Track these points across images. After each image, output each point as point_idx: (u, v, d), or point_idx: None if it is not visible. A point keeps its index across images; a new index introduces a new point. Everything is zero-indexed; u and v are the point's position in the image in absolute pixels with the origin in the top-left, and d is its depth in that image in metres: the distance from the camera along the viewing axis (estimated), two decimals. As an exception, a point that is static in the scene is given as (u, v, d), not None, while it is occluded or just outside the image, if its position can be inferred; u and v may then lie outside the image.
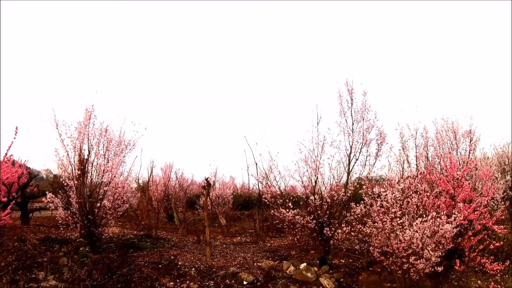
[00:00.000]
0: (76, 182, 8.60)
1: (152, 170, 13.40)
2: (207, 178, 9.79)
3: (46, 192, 9.36)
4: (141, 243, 10.18)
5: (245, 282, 7.23)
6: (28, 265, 7.84)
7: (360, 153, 8.10)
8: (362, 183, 7.54)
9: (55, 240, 9.53)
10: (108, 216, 8.95)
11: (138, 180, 11.60)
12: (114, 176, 8.76)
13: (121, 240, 10.41)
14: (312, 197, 8.08)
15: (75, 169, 8.68)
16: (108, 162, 8.79)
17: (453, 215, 5.61)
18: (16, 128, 7.03)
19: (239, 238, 13.00)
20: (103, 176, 8.67)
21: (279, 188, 8.88)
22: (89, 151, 8.72)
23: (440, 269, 5.71)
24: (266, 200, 9.14)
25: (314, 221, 8.12)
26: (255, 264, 8.43)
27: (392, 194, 6.12)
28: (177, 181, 15.91)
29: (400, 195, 6.11)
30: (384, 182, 6.82)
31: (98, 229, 8.91)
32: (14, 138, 7.05)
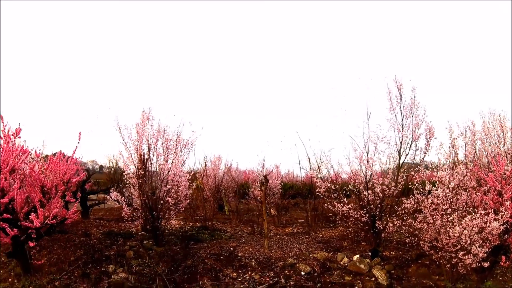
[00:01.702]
0: (139, 181, 9.91)
1: (206, 163, 14.63)
2: (266, 175, 10.79)
3: (111, 191, 10.78)
4: (200, 235, 11.37)
5: (302, 273, 8.09)
6: (97, 258, 9.00)
7: (409, 148, 8.81)
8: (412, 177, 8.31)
9: (118, 234, 10.78)
10: (171, 211, 10.19)
11: (193, 173, 12.88)
12: (175, 174, 9.98)
13: (180, 232, 11.66)
14: (365, 192, 8.95)
15: (137, 169, 9.96)
16: (167, 161, 10.03)
17: (500, 213, 6.29)
18: (80, 133, 8.36)
19: (290, 228, 13.88)
20: (167, 174, 9.91)
21: (332, 182, 9.76)
22: (149, 151, 9.98)
23: (486, 264, 6.43)
24: (319, 194, 10.05)
25: (367, 215, 9.00)
26: (310, 255, 9.21)
27: (443, 192, 6.84)
28: (229, 172, 17.10)
29: (450, 193, 6.82)
30: (433, 171, 7.43)
31: (161, 223, 10.13)
32: (78, 142, 8.39)
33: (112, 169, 18.58)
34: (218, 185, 16.51)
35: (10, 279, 8.17)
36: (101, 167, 33.30)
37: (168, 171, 9.86)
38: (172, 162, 9.99)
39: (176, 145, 10.19)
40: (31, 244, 7.29)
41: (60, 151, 8.15)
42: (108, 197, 10.90)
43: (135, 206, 10.33)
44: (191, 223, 13.95)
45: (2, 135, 7.62)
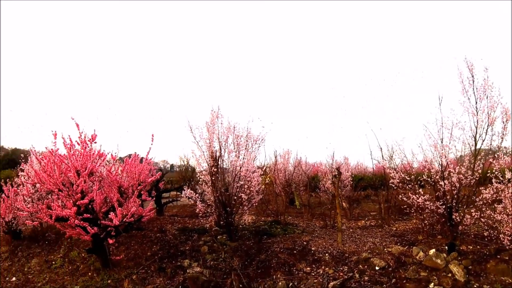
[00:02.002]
0: (212, 178, 10.35)
1: (276, 158, 14.84)
2: (338, 168, 10.71)
3: (184, 188, 11.36)
4: (272, 229, 11.44)
5: (377, 268, 7.87)
6: (172, 253, 9.38)
7: (486, 133, 8.20)
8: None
9: (192, 230, 11.19)
10: (244, 207, 10.42)
11: (264, 168, 13.14)
12: (247, 170, 10.24)
13: (253, 227, 11.82)
14: (441, 182, 8.53)
15: (210, 166, 10.39)
16: (239, 157, 10.34)
17: None
18: (152, 135, 8.81)
19: (363, 221, 13.49)
20: (239, 170, 10.22)
21: (406, 172, 9.42)
22: (220, 149, 10.34)
23: None
24: (393, 185, 9.77)
25: (443, 206, 8.58)
26: (384, 249, 8.91)
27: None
28: (300, 166, 17.16)
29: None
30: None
31: (235, 218, 10.35)
32: (151, 144, 8.89)
33: (183, 168, 19.35)
34: (288, 179, 16.63)
35: (89, 273, 8.82)
36: (172, 166, 34.90)
37: (240, 167, 10.13)
38: (244, 158, 10.25)
39: (247, 141, 10.40)
40: (110, 241, 7.80)
41: (135, 152, 8.82)
42: (183, 195, 11.46)
43: (208, 203, 10.78)
44: (263, 218, 14.13)
45: (79, 141, 8.40)
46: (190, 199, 10.84)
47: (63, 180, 7.83)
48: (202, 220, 12.09)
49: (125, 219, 7.86)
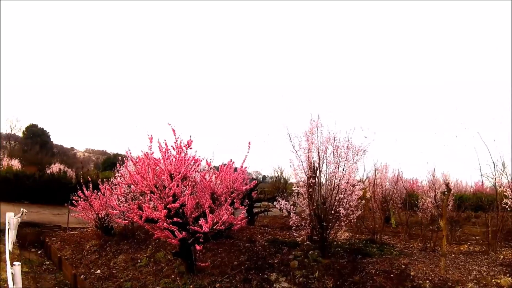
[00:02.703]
0: (309, 189, 9.68)
1: (375, 172, 13.80)
2: (448, 183, 9.56)
3: (277, 198, 10.82)
4: (368, 248, 10.59)
5: None
6: (260, 265, 8.98)
7: None
8: None
9: (283, 243, 10.72)
10: (341, 222, 9.70)
11: (365, 181, 12.17)
12: (347, 183, 9.45)
13: (347, 245, 11.08)
14: None
15: (308, 177, 9.74)
16: (337, 169, 9.56)
17: None
18: (249, 143, 8.46)
19: (465, 246, 12.16)
20: (339, 183, 9.48)
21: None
22: (319, 159, 9.68)
23: None
24: (506, 206, 8.46)
25: None
26: (492, 280, 7.86)
27: None
28: (399, 182, 15.88)
29: None
30: None
31: (329, 234, 9.73)
32: (248, 152, 8.53)
33: (275, 179, 19.03)
34: (385, 195, 15.43)
35: (173, 276, 8.72)
36: (264, 177, 34.85)
37: (340, 180, 9.38)
38: (343, 169, 9.48)
39: (347, 152, 9.64)
40: (198, 248, 7.65)
41: (231, 159, 8.45)
42: (277, 206, 10.96)
43: (303, 216, 10.15)
44: (357, 235, 13.27)
45: (175, 146, 8.19)
46: (284, 211, 10.25)
47: (156, 182, 7.73)
48: (293, 233, 11.52)
49: (215, 226, 7.49)
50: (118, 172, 12.85)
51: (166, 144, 8.18)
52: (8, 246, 9.63)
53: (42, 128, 50.84)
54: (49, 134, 51.94)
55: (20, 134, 47.68)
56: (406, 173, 24.94)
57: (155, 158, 7.97)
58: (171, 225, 7.60)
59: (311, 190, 9.58)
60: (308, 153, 9.64)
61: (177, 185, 7.68)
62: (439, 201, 14.62)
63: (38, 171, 23.38)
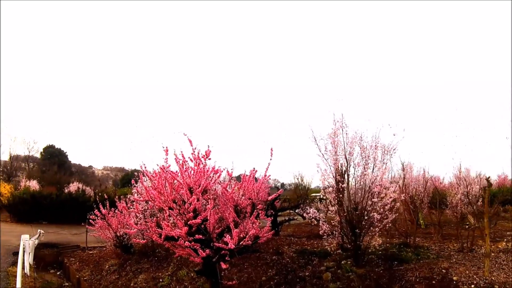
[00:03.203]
0: (339, 195, 8.93)
1: (404, 171, 12.99)
2: (488, 178, 8.71)
3: (301, 206, 10.08)
4: (402, 253, 9.79)
5: None
6: (290, 279, 8.28)
7: None
8: None
9: (312, 253, 9.97)
10: (376, 228, 8.92)
11: (396, 183, 11.34)
12: (380, 185, 8.66)
13: (379, 250, 10.25)
14: None
15: (336, 182, 8.99)
16: (367, 170, 8.79)
17: None
18: (271, 149, 7.70)
19: (503, 243, 11.27)
20: (371, 185, 8.69)
21: None
22: (346, 162, 8.93)
23: None
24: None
25: None
26: None
27: None
28: (430, 180, 15.03)
29: None
30: None
31: (363, 241, 8.96)
32: (270, 159, 7.75)
33: (294, 186, 18.46)
34: (412, 196, 14.57)
35: None
36: (282, 184, 34.07)
37: (372, 182, 8.59)
38: (376, 171, 8.69)
39: (375, 152, 8.87)
40: (224, 266, 6.91)
41: (254, 168, 7.71)
42: (304, 214, 10.21)
43: (332, 223, 9.38)
44: (387, 239, 12.41)
45: (192, 158, 7.55)
46: (313, 219, 9.48)
47: (174, 197, 7.00)
48: (322, 242, 10.74)
49: (242, 242, 6.74)
50: (134, 189, 12.34)
51: (183, 156, 7.51)
52: (22, 270, 9.16)
53: (60, 149, 51.02)
54: (66, 154, 52.10)
55: (38, 156, 47.79)
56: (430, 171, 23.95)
57: (172, 172, 7.29)
58: (193, 243, 6.91)
59: (340, 195, 8.85)
60: (335, 155, 8.91)
61: (198, 199, 6.98)
62: (472, 197, 13.84)
63: (56, 191, 23.05)
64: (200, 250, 6.87)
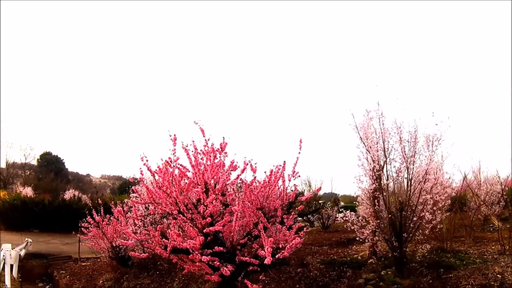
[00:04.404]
0: (377, 195, 7.20)
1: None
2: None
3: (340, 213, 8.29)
4: (443, 259, 8.10)
5: None
6: None
7: None
8: None
9: (343, 263, 8.24)
10: (426, 230, 7.20)
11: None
12: (436, 179, 6.91)
13: (418, 257, 8.46)
14: None
15: (375, 179, 7.25)
16: (411, 164, 7.04)
17: None
18: (301, 141, 5.93)
19: None
20: (420, 182, 6.91)
21: None
22: (385, 157, 7.20)
23: None
24: None
25: None
26: None
27: None
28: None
29: None
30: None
31: (407, 247, 7.34)
32: (299, 152, 5.96)
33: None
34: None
35: None
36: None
37: (425, 179, 6.82)
38: (428, 162, 6.94)
39: (415, 142, 7.16)
40: (255, 287, 5.08)
41: (284, 162, 5.79)
42: (338, 217, 8.39)
43: (370, 228, 7.58)
44: (416, 245, 10.65)
45: (204, 151, 5.76)
46: (349, 224, 7.67)
47: (184, 199, 5.12)
48: (347, 250, 8.94)
49: (279, 254, 4.88)
50: (134, 192, 10.41)
51: (195, 147, 5.69)
52: (2, 283, 7.81)
53: (57, 156, 48.35)
54: (63, 161, 49.37)
55: (34, 163, 45.22)
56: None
57: (182, 166, 5.48)
58: (209, 257, 5.03)
59: (378, 194, 7.13)
60: (371, 149, 7.22)
61: (215, 200, 5.14)
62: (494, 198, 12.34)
63: (50, 198, 20.82)
64: (222, 267, 4.99)
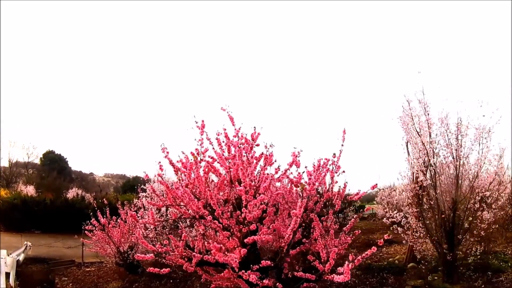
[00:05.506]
0: (423, 193, 5.95)
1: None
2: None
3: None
4: (489, 261, 6.93)
5: None
6: None
7: None
8: None
9: (382, 269, 7.04)
10: (481, 231, 6.03)
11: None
12: (496, 173, 5.71)
13: (463, 260, 7.23)
14: None
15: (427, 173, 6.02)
16: (465, 159, 5.82)
17: None
18: (344, 131, 4.64)
19: None
20: (474, 177, 5.69)
21: None
22: (433, 151, 5.97)
23: None
24: None
25: None
26: None
27: None
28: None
29: None
30: None
31: (458, 250, 6.19)
32: (342, 145, 4.66)
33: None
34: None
35: None
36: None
37: (477, 173, 5.61)
38: (482, 157, 5.75)
39: (461, 134, 5.97)
40: None
41: (334, 155, 4.43)
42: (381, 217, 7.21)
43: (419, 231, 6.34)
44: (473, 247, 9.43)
45: (234, 142, 4.48)
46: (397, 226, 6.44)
47: (222, 198, 3.85)
48: (379, 254, 7.68)
49: (345, 267, 3.64)
50: (143, 191, 8.97)
51: (226, 136, 4.38)
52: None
53: (60, 154, 46.58)
54: (66, 160, 47.60)
55: (37, 161, 43.48)
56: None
57: (214, 159, 4.19)
58: (249, 272, 3.74)
59: (422, 191, 5.97)
60: (417, 143, 6.03)
61: (262, 203, 3.84)
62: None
63: (52, 197, 19.29)
64: (269, 283, 3.70)
